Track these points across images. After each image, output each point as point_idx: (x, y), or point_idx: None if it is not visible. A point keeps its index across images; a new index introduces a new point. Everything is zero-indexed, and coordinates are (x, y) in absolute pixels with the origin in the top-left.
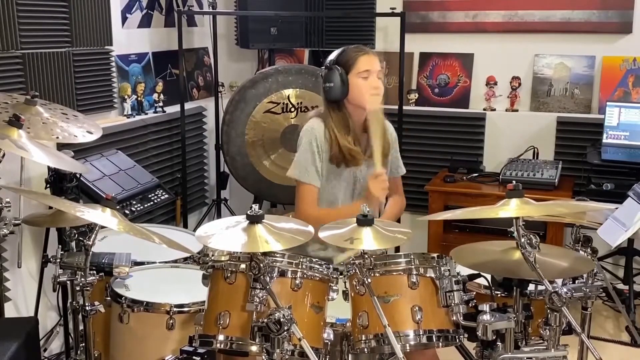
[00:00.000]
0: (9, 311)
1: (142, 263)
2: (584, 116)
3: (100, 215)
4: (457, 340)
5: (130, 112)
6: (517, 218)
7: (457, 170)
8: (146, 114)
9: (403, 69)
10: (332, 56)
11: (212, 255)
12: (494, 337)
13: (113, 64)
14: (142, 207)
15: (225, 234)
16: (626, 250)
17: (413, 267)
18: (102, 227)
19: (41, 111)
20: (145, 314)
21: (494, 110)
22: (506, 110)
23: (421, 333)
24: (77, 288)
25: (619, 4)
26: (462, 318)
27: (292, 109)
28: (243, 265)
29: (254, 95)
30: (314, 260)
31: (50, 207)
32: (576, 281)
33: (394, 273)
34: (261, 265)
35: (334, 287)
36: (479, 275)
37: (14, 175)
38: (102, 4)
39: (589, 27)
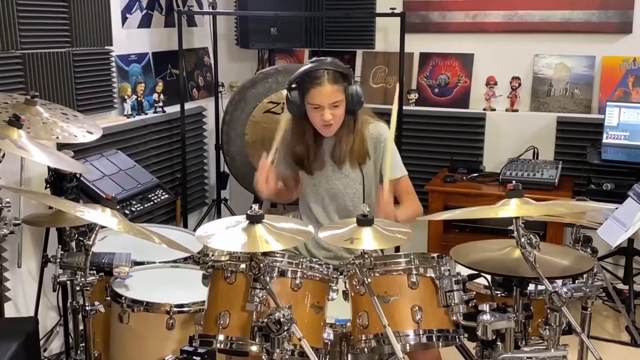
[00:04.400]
0: (9, 311)
1: (142, 263)
2: (584, 116)
3: (100, 215)
4: (457, 340)
5: (130, 112)
6: (517, 218)
7: (457, 170)
8: (146, 114)
9: (403, 69)
10: (295, 75)
11: (212, 255)
12: (494, 337)
13: (113, 64)
14: (142, 207)
15: (225, 234)
16: (626, 250)
17: (413, 267)
18: (102, 227)
19: (41, 111)
20: (145, 314)
21: (494, 110)
22: (506, 110)
23: (421, 333)
24: (77, 288)
25: (619, 4)
26: (462, 318)
27: None
28: (243, 265)
29: (254, 95)
30: (314, 260)
31: (50, 207)
32: (576, 281)
33: (394, 273)
34: (261, 265)
35: (334, 287)
36: (479, 275)
37: (14, 175)
38: (102, 4)
39: (589, 27)
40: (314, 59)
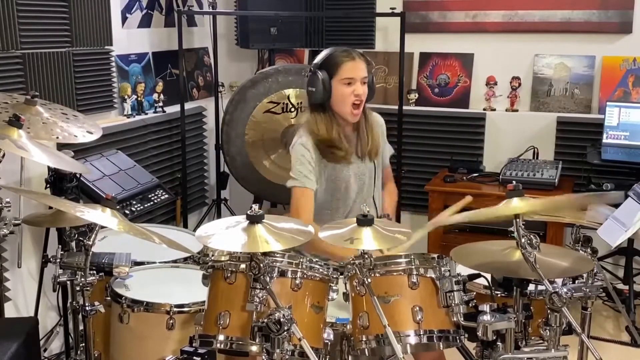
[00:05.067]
0: (9, 311)
1: (142, 263)
2: (584, 116)
3: (100, 215)
4: (458, 341)
5: (130, 112)
6: (517, 218)
7: (457, 170)
8: (146, 114)
9: (403, 69)
10: (319, 58)
11: (212, 255)
12: (494, 337)
13: (113, 64)
14: (142, 207)
15: (225, 234)
16: (626, 250)
17: (413, 267)
18: (102, 227)
19: (41, 111)
20: (145, 314)
21: (494, 110)
22: (506, 110)
23: (422, 333)
24: (77, 288)
25: (619, 4)
26: (462, 318)
27: (292, 109)
28: (243, 265)
29: (254, 95)
30: (314, 260)
31: (50, 207)
32: (576, 281)
33: (394, 273)
34: (261, 265)
35: (334, 287)
36: (479, 275)
37: (14, 175)
38: (102, 4)
39: (589, 27)
40: (332, 47)
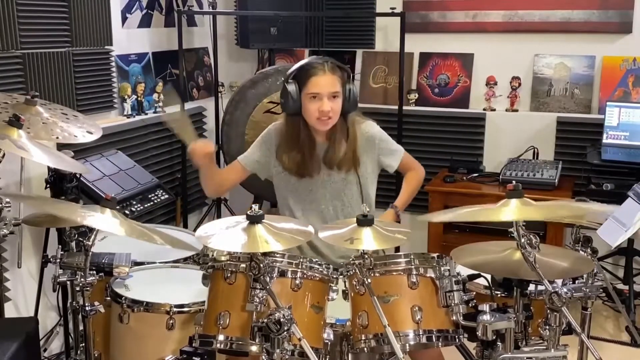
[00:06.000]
0: (9, 311)
1: (142, 263)
2: (584, 116)
3: (102, 219)
4: (457, 340)
5: (130, 112)
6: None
7: (457, 170)
8: (146, 114)
9: (403, 69)
10: (293, 68)
11: (212, 255)
12: (494, 337)
13: (113, 64)
14: (142, 207)
15: (225, 234)
16: (626, 250)
17: (413, 267)
18: None
19: (41, 111)
20: (145, 314)
21: (494, 110)
22: (506, 110)
23: (421, 333)
24: (77, 288)
25: (619, 4)
26: (462, 318)
27: None
28: (243, 265)
29: (254, 95)
30: (314, 260)
31: None
32: (576, 281)
33: (394, 273)
34: (261, 265)
35: (334, 287)
36: (479, 275)
37: (14, 175)
38: (102, 4)
39: (589, 27)
40: (312, 56)
